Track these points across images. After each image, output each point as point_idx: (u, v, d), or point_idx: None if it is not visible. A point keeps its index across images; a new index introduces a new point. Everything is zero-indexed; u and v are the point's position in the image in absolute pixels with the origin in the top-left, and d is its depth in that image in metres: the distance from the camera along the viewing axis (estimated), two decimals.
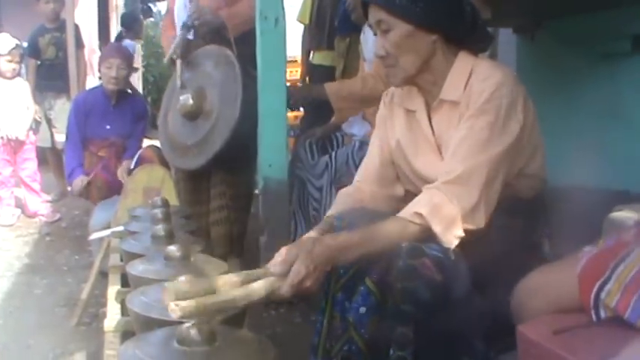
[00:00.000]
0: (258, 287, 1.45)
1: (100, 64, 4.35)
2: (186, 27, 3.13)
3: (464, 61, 1.77)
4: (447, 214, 1.62)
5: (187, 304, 1.28)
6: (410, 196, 1.87)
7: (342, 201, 1.94)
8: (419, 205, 1.64)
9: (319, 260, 1.50)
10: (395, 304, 1.49)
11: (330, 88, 2.99)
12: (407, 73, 1.78)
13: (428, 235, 1.61)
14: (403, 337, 1.49)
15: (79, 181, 4.09)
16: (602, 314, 1.29)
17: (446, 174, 1.67)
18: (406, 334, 1.50)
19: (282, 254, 1.51)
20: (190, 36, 3.32)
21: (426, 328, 1.50)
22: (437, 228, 1.60)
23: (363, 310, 1.56)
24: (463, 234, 1.62)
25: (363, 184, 1.97)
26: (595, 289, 1.30)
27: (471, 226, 1.63)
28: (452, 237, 1.61)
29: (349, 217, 1.78)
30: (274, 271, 1.48)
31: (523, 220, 1.74)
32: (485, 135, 1.65)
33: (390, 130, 1.96)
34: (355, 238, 1.59)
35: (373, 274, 1.56)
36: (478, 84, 1.70)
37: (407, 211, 1.65)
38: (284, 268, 1.48)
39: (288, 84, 2.95)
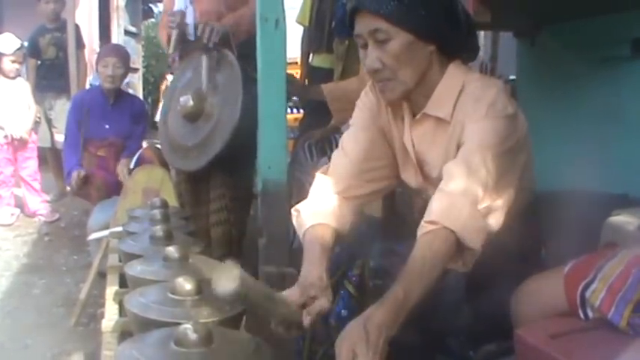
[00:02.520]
0: None
1: (97, 64, 4.36)
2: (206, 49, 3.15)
3: (454, 76, 1.69)
4: (461, 212, 1.47)
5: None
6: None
7: (317, 190, 1.82)
8: (429, 214, 1.50)
9: (380, 346, 1.28)
10: (368, 303, 1.44)
11: (327, 88, 2.99)
12: (406, 86, 1.66)
13: (453, 240, 1.45)
14: None
15: (76, 174, 4.05)
16: (590, 314, 1.31)
17: (456, 159, 1.56)
18: None
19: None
20: (191, 37, 3.34)
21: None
22: (455, 228, 1.45)
23: (344, 313, 1.56)
24: (484, 224, 1.49)
25: (338, 176, 1.82)
26: (580, 289, 1.32)
27: (491, 204, 1.51)
28: (474, 235, 1.46)
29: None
30: None
31: (516, 231, 1.69)
32: (487, 139, 1.56)
33: (384, 117, 1.84)
34: (400, 294, 1.36)
35: (352, 277, 1.56)
36: (471, 105, 1.61)
37: (421, 227, 1.49)
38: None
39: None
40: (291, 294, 1.45)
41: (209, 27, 3.12)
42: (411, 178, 1.82)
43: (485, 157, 1.53)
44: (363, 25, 1.64)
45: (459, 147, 1.63)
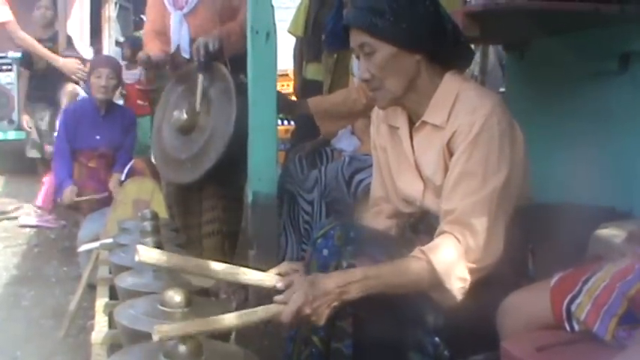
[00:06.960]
0: (256, 310, 1.48)
1: (89, 74, 4.37)
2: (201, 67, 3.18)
3: (449, 85, 1.77)
4: (448, 255, 1.62)
5: (169, 327, 1.27)
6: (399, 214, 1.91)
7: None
8: (426, 246, 1.65)
9: (319, 291, 1.50)
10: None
11: (313, 102, 3.01)
12: (394, 94, 1.77)
13: (434, 276, 1.60)
14: (341, 330, 1.59)
15: (69, 191, 4.06)
16: (576, 327, 1.32)
17: (447, 213, 1.67)
18: (344, 328, 1.60)
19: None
20: (186, 54, 3.35)
21: (368, 323, 1.60)
22: (439, 267, 1.60)
23: None
24: (467, 276, 1.62)
25: (378, 199, 2.03)
26: (566, 303, 1.33)
27: (479, 265, 1.63)
28: (454, 280, 1.61)
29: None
30: (277, 299, 1.51)
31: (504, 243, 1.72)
32: (481, 170, 1.65)
33: (380, 148, 1.99)
34: (358, 274, 1.56)
35: None
36: (467, 115, 1.69)
37: (415, 250, 1.65)
38: (286, 297, 1.50)
39: None
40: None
41: (202, 43, 3.13)
42: (406, 183, 1.88)
43: (481, 196, 1.65)
44: (353, 40, 1.77)
45: (449, 151, 1.73)
